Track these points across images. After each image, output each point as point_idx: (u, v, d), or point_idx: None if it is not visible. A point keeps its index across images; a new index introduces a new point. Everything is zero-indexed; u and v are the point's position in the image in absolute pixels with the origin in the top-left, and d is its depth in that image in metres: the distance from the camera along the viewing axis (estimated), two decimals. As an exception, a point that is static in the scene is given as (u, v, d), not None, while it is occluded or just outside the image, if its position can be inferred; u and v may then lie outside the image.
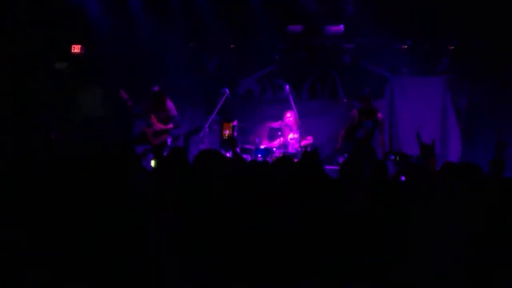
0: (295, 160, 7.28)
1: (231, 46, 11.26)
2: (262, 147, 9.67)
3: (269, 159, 8.98)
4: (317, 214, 3.50)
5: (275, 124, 10.04)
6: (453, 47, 10.62)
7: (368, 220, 3.48)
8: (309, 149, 9.18)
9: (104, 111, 10.59)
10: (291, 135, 9.84)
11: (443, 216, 3.37)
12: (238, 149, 9.55)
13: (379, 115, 9.03)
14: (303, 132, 9.76)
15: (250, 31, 10.91)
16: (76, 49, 10.91)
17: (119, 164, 3.64)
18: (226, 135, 9.39)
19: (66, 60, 10.85)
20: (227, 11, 10.62)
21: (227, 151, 9.07)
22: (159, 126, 8.88)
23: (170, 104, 9.01)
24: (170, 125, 8.99)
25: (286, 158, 4.43)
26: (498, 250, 3.15)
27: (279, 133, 9.97)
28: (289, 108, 10.03)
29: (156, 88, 9.01)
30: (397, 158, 7.13)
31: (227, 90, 10.02)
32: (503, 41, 9.59)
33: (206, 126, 9.86)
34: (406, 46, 10.85)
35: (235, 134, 9.82)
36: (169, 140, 9.83)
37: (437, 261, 3.13)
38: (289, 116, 9.96)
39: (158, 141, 8.87)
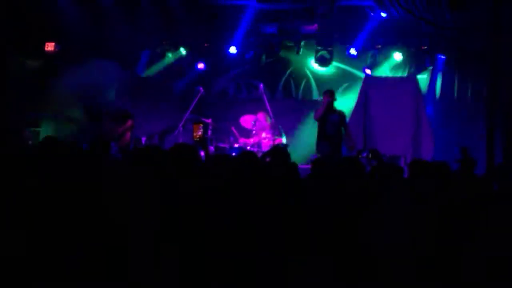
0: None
1: (205, 45, 11.20)
2: (236, 145, 9.66)
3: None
4: (287, 211, 3.48)
5: (248, 125, 10.00)
6: (426, 47, 10.72)
7: (338, 216, 3.47)
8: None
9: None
10: (263, 134, 9.82)
11: (410, 213, 3.38)
12: (212, 148, 9.54)
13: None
14: (276, 132, 9.76)
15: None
16: (49, 46, 10.75)
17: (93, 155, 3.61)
18: (197, 136, 9.34)
19: (38, 57, 10.67)
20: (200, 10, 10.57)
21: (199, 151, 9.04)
22: (120, 129, 8.99)
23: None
24: (129, 122, 9.05)
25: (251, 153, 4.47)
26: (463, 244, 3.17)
27: (254, 131, 9.93)
28: (262, 108, 10.03)
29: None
30: (370, 156, 7.14)
31: (201, 88, 9.98)
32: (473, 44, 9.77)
33: (181, 124, 9.82)
34: (379, 46, 10.93)
35: (209, 133, 9.78)
36: (143, 139, 9.80)
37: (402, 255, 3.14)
38: (261, 116, 9.92)
39: (124, 142, 8.91)
